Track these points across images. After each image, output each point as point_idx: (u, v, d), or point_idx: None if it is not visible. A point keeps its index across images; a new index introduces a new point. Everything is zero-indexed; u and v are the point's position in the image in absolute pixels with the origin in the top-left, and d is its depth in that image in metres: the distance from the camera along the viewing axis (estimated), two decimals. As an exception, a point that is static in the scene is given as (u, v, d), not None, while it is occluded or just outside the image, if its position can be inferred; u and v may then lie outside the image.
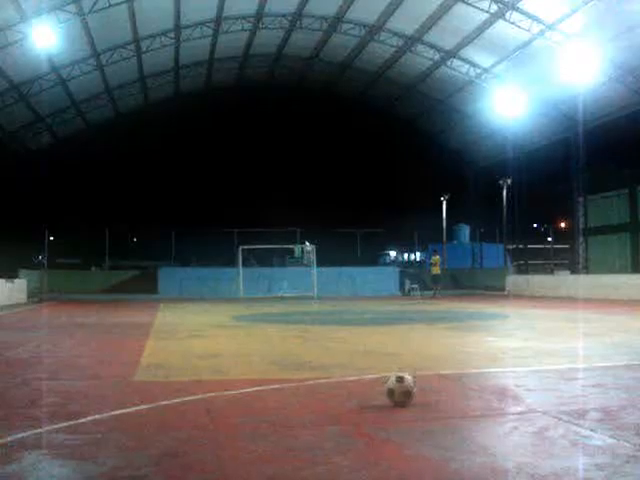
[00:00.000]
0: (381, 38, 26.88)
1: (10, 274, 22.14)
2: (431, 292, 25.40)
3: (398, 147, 39.48)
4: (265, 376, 5.81)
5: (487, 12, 22.64)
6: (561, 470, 2.95)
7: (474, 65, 27.07)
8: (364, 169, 43.40)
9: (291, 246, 31.84)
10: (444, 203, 33.99)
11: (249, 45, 28.81)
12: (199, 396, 4.73)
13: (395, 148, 40.38)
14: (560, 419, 3.92)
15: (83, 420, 3.97)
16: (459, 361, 6.78)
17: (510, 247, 34.12)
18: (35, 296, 23.23)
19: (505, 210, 30.71)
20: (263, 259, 33.33)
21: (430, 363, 6.53)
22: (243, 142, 37.21)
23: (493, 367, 6.36)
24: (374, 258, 43.02)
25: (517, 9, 22.17)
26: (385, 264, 45.50)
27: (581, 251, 28.17)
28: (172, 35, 25.31)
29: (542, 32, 22.64)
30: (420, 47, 26.91)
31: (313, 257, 28.03)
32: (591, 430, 3.65)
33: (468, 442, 3.49)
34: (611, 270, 25.77)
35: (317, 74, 32.71)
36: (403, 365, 6.32)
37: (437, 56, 27.14)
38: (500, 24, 23.11)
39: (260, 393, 4.94)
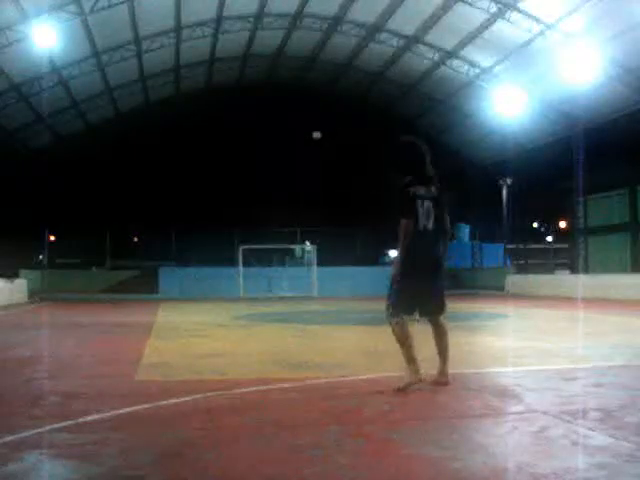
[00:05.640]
0: (381, 38, 26.88)
1: (10, 274, 22.13)
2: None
3: (398, 147, 39.44)
4: (265, 376, 5.80)
5: (487, 12, 22.64)
6: (561, 470, 2.95)
7: (474, 65, 27.07)
8: (364, 169, 43.34)
9: (291, 246, 31.85)
10: (444, 203, 33.93)
11: (249, 45, 28.82)
12: (199, 396, 4.73)
13: (395, 148, 40.32)
14: (560, 419, 3.92)
15: (83, 419, 3.97)
16: (459, 361, 6.76)
17: (510, 247, 34.11)
18: (36, 296, 23.23)
19: (505, 210, 30.69)
20: (263, 259, 33.32)
21: (430, 363, 6.52)
22: (243, 142, 37.14)
23: (493, 367, 6.36)
24: (374, 258, 42.97)
25: (517, 9, 22.18)
26: (385, 264, 45.44)
27: (581, 251, 28.17)
28: (172, 35, 25.32)
29: (542, 32, 22.64)
30: (420, 47, 26.91)
31: (313, 257, 28.05)
32: (591, 430, 3.66)
33: (468, 442, 3.49)
34: (611, 270, 25.76)
35: (317, 74, 32.71)
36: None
37: (437, 56, 27.15)
38: (500, 24, 23.11)
39: (260, 393, 4.95)
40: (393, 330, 4.99)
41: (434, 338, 5.19)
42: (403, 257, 4.85)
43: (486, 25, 23.62)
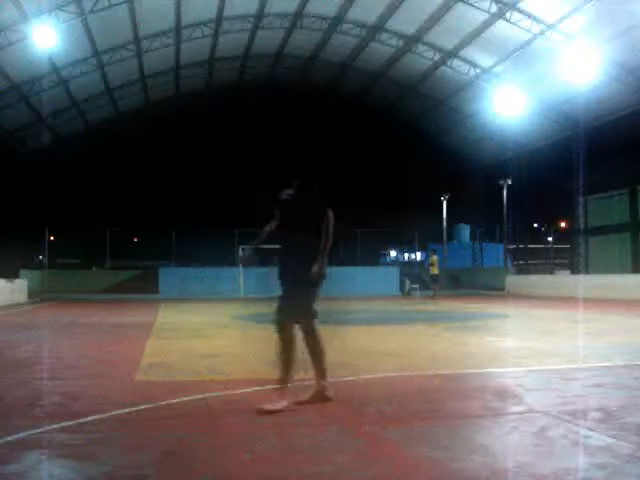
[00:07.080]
0: (381, 38, 26.89)
1: (10, 274, 22.12)
2: (431, 292, 25.39)
3: (398, 147, 39.46)
4: (265, 376, 5.79)
5: (487, 12, 22.66)
6: (561, 470, 2.95)
7: (474, 65, 27.08)
8: (364, 169, 43.34)
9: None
10: (444, 203, 33.97)
11: (249, 45, 28.82)
12: (199, 396, 4.73)
13: (395, 148, 40.36)
14: (560, 419, 3.92)
15: (84, 420, 3.97)
16: (459, 361, 6.78)
17: (510, 247, 34.11)
18: (36, 296, 23.23)
19: (505, 210, 30.69)
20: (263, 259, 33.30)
21: (430, 363, 6.53)
22: (243, 142, 37.17)
23: (493, 367, 6.36)
24: (374, 258, 42.96)
25: (517, 9, 22.19)
26: (385, 264, 45.49)
27: (581, 251, 28.17)
28: (172, 35, 25.32)
29: (542, 32, 22.66)
30: (420, 47, 26.92)
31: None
32: (591, 430, 3.66)
33: (468, 442, 3.49)
34: (611, 270, 25.75)
35: (317, 74, 32.70)
36: (403, 364, 6.33)
37: (437, 56, 27.16)
38: (500, 24, 23.13)
39: (260, 393, 4.94)
40: (317, 337, 4.63)
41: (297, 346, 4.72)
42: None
43: (486, 25, 23.63)
